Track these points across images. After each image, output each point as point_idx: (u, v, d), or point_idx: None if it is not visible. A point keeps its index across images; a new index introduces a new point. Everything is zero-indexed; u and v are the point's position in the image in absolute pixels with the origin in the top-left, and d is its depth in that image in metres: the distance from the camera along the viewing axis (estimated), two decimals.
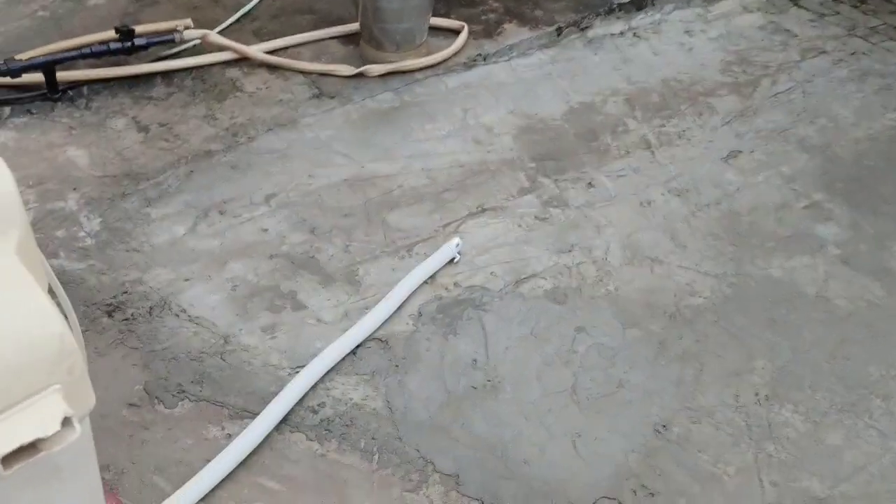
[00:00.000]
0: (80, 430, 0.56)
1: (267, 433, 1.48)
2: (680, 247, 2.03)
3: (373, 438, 1.53)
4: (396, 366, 1.67)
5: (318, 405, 1.58)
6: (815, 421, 1.64)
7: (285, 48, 2.61)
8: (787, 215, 2.14)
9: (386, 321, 1.75)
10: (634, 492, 1.48)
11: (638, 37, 2.84)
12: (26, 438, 0.51)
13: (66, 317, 0.80)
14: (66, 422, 0.53)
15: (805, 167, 2.30)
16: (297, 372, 1.61)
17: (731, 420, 1.63)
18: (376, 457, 1.50)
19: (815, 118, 2.49)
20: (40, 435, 0.52)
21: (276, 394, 1.55)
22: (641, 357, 1.74)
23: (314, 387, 1.60)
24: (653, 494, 1.48)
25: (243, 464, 1.44)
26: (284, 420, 1.53)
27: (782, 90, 2.60)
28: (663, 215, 2.13)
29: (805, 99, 2.56)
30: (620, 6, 2.93)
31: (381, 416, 1.57)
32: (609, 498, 1.47)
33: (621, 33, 2.84)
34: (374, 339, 1.73)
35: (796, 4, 3.04)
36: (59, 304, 0.81)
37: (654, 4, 2.99)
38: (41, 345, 0.53)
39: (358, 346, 1.70)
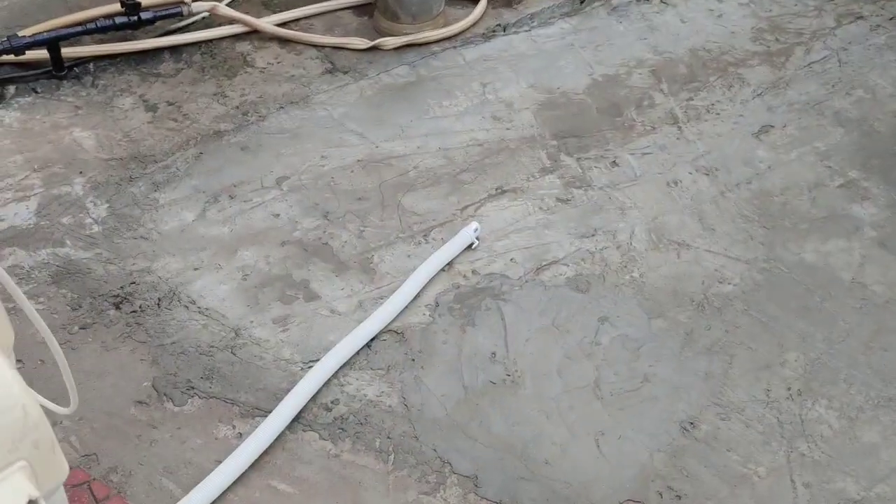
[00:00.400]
0: None
1: (279, 433, 1.44)
2: (708, 230, 1.94)
3: (388, 437, 1.48)
4: (412, 360, 1.62)
5: (332, 402, 1.53)
6: (850, 417, 1.56)
7: (297, 20, 2.52)
8: (821, 195, 2.04)
9: (401, 312, 1.69)
10: (661, 494, 1.42)
11: (665, 3, 2.71)
12: None
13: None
14: None
15: (840, 143, 2.19)
16: (310, 367, 1.56)
17: (761, 417, 1.56)
18: (392, 457, 1.45)
19: (852, 89, 2.36)
20: None
21: (288, 390, 1.50)
22: (667, 349, 1.67)
23: (328, 382, 1.55)
24: (679, 497, 1.42)
25: (254, 465, 1.40)
26: (297, 418, 1.48)
27: (816, 59, 2.47)
28: (691, 196, 2.03)
29: (841, 69, 2.44)
30: None
31: (397, 413, 1.52)
32: (634, 501, 1.41)
33: (647, 0, 2.71)
34: (389, 331, 1.67)
35: None
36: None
37: None
38: (1, 420, 0.47)
39: (373, 339, 1.64)
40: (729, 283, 1.82)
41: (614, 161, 2.12)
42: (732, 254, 1.89)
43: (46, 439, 0.51)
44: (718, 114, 2.29)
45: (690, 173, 2.10)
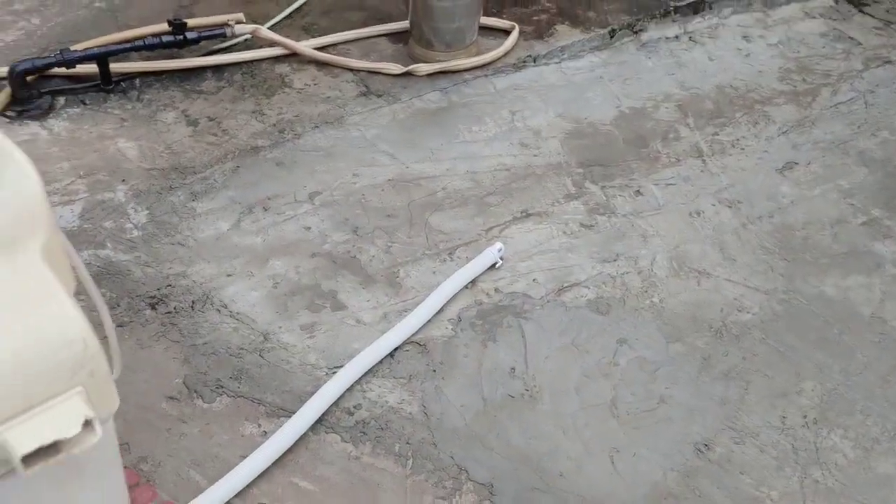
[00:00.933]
0: (102, 433, 0.56)
1: (302, 433, 1.48)
2: (729, 260, 1.98)
3: (407, 443, 1.52)
4: (434, 371, 1.66)
5: (355, 407, 1.58)
6: (865, 447, 1.58)
7: (334, 45, 2.61)
8: (843, 231, 2.07)
9: (425, 325, 1.74)
10: None
11: (693, 41, 2.77)
12: (47, 439, 0.51)
13: (96, 316, 0.80)
14: (88, 424, 0.53)
15: (864, 181, 2.22)
16: (335, 372, 1.60)
17: (776, 443, 1.58)
18: (410, 462, 1.49)
19: (877, 131, 2.40)
20: (61, 436, 0.51)
21: (312, 394, 1.55)
22: (684, 373, 1.70)
23: (351, 388, 1.60)
24: None
25: (278, 462, 1.44)
26: (320, 420, 1.53)
27: (843, 100, 2.51)
28: (713, 227, 2.07)
29: (867, 110, 2.47)
30: (676, 9, 2.87)
31: (417, 421, 1.56)
32: None
33: (676, 37, 2.78)
34: (412, 342, 1.71)
35: (861, 11, 2.94)
36: (89, 300, 0.81)
37: (711, 8, 2.92)
38: (63, 348, 0.53)
39: (396, 350, 1.68)
40: (748, 312, 1.84)
41: (638, 190, 2.17)
42: (752, 284, 1.92)
43: (102, 370, 0.56)
44: (743, 149, 2.34)
45: (713, 205, 2.14)
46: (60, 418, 0.52)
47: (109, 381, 0.57)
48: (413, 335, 1.71)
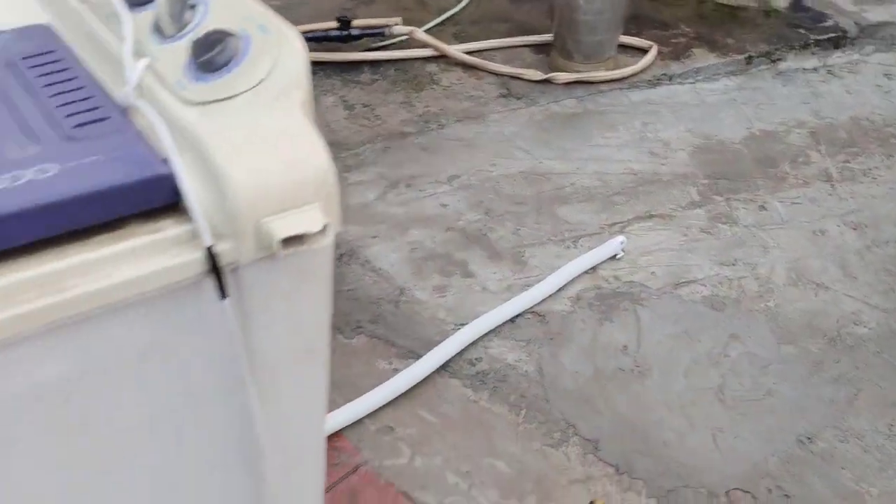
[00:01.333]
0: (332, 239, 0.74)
1: (428, 373, 1.64)
2: (849, 277, 2.01)
3: (522, 396, 1.65)
4: (551, 338, 1.79)
5: (476, 359, 1.73)
6: None
7: (481, 50, 2.82)
8: None
9: (545, 299, 1.87)
10: (769, 490, 1.50)
11: (832, 74, 2.80)
12: (298, 230, 0.69)
13: None
14: (324, 229, 0.71)
15: None
16: (461, 327, 1.76)
17: (881, 446, 1.61)
18: (523, 412, 1.62)
19: None
20: (307, 230, 0.69)
21: (439, 342, 1.71)
22: (794, 372, 1.75)
23: (473, 343, 1.75)
24: (788, 496, 1.50)
25: (405, 394, 1.61)
26: (444, 367, 1.69)
27: None
28: (836, 245, 2.11)
29: None
30: (817, 42, 2.91)
31: (532, 378, 1.69)
32: (743, 490, 1.50)
33: (815, 69, 2.82)
34: (532, 312, 1.85)
35: None
36: None
37: (853, 45, 2.95)
38: (313, 170, 0.71)
39: (517, 316, 1.82)
40: (864, 327, 1.87)
41: (762, 205, 2.23)
42: (872, 301, 1.94)
43: (335, 193, 0.74)
44: (874, 178, 2.36)
45: (838, 226, 2.17)
46: (306, 220, 0.70)
47: (338, 204, 0.75)
48: (534, 306, 1.85)
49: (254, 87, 0.73)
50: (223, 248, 0.69)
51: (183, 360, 0.74)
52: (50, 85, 0.74)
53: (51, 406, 0.68)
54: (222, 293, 0.71)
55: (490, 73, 2.72)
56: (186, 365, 0.75)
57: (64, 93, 0.73)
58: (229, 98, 0.73)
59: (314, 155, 0.74)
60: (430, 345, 1.73)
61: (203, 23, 0.77)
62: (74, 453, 0.72)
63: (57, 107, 0.71)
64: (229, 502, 0.90)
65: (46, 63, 0.77)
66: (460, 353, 1.72)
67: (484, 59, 2.77)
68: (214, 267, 0.69)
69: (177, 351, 0.73)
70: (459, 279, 1.94)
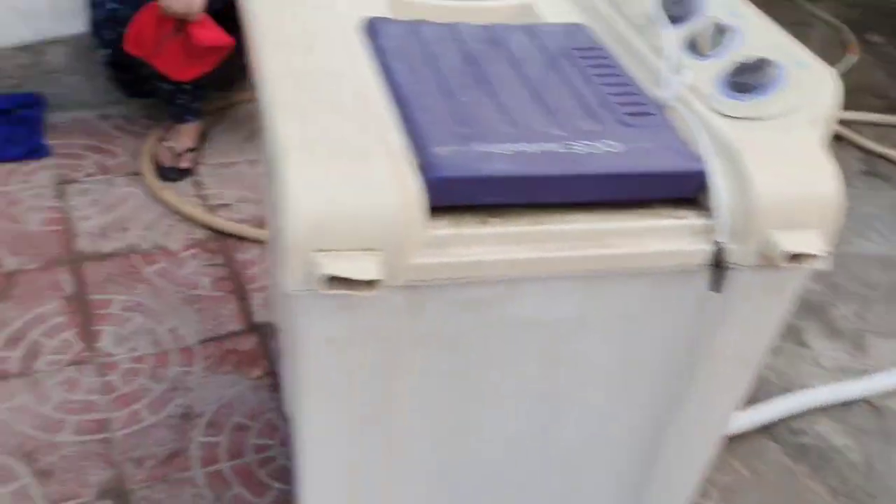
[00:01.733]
0: None
1: (744, 431, 1.61)
2: None
3: (843, 483, 1.56)
4: (886, 434, 1.67)
5: (799, 430, 1.66)
6: None
7: (848, 121, 2.68)
8: None
9: (887, 392, 1.75)
10: None
11: None
12: (805, 248, 0.75)
13: None
14: (819, 255, 0.75)
15: None
16: (783, 395, 1.70)
17: None
18: (842, 499, 1.53)
19: None
20: (811, 251, 0.76)
21: (762, 402, 1.67)
22: None
23: (801, 415, 1.68)
24: None
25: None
26: (765, 429, 1.64)
27: None
28: None
29: None
30: None
31: (859, 469, 1.59)
32: None
33: None
34: (866, 401, 1.74)
35: None
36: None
37: None
38: (823, 196, 0.76)
39: (851, 402, 1.72)
40: None
41: None
42: None
43: (836, 223, 0.80)
44: None
45: None
46: (809, 241, 0.76)
47: (834, 235, 0.80)
48: (872, 394, 1.74)
49: (786, 113, 0.79)
50: (731, 248, 0.76)
51: (653, 332, 0.82)
52: (600, 76, 0.85)
53: (551, 339, 0.79)
54: (717, 287, 0.77)
55: (859, 148, 2.58)
56: (654, 337, 0.83)
57: (612, 84, 0.84)
58: (760, 118, 0.79)
59: (825, 184, 0.78)
60: (753, 402, 1.69)
61: (737, 48, 0.85)
62: (551, 384, 0.82)
63: (608, 94, 0.82)
64: (623, 462, 0.98)
65: (592, 57, 0.88)
66: (783, 420, 1.67)
67: (851, 131, 2.63)
68: (717, 261, 0.76)
69: (652, 323, 0.81)
70: (792, 347, 1.87)
